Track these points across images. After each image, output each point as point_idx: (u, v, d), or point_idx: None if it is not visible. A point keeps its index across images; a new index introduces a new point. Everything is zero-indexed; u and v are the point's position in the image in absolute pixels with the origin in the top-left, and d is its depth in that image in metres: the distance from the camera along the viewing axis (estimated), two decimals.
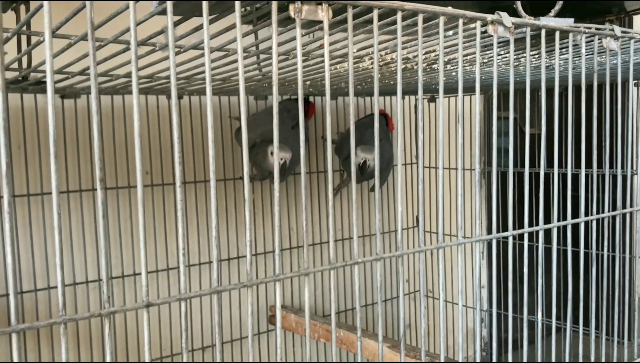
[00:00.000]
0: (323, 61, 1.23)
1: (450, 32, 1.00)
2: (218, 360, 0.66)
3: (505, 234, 1.01)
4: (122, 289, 1.99)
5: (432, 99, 2.67)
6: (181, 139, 0.66)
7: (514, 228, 1.02)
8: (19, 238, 1.80)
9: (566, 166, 1.09)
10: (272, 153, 1.95)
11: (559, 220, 1.11)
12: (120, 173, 1.99)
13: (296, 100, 2.19)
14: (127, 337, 2.01)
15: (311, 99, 2.36)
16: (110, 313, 0.58)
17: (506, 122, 1.10)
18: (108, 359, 0.60)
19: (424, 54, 1.23)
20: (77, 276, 1.93)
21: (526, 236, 1.04)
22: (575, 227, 1.13)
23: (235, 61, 1.20)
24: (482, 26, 0.94)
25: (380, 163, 2.20)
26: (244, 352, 2.31)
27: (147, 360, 0.61)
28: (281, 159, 1.94)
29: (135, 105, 0.60)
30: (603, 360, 1.27)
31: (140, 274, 2.00)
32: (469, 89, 2.15)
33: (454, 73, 1.57)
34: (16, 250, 1.79)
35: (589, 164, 1.18)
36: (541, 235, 1.10)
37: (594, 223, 1.17)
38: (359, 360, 0.88)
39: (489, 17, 0.93)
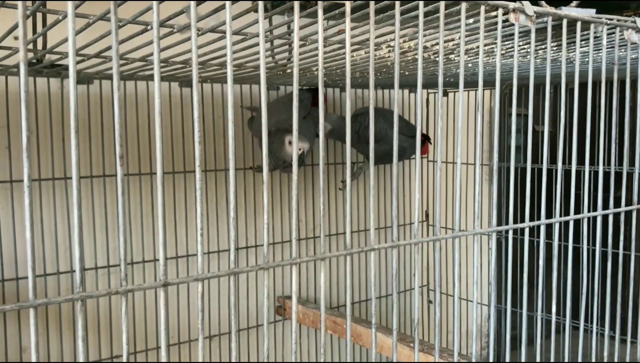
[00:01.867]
0: (339, 49, 1.22)
1: (471, 20, 0.99)
2: (233, 342, 0.66)
3: (520, 225, 1.00)
4: (132, 275, 2.00)
5: (445, 93, 2.66)
6: (201, 120, 0.65)
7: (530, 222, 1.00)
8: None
9: (583, 163, 1.08)
10: (290, 143, 1.91)
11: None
12: (132, 161, 1.99)
13: (308, 90, 2.19)
14: (135, 327, 2.01)
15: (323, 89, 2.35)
16: (128, 291, 0.57)
17: (519, 120, 1.08)
18: (124, 339, 0.59)
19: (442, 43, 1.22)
20: (87, 263, 1.93)
21: (543, 228, 1.03)
22: (589, 225, 1.12)
23: (251, 46, 1.19)
24: (503, 14, 0.93)
25: (387, 148, 2.18)
26: (251, 341, 2.31)
27: (163, 341, 0.60)
28: (300, 149, 1.92)
29: (157, 83, 0.59)
30: (616, 360, 1.26)
31: (151, 261, 2.01)
32: (484, 83, 2.13)
33: (470, 65, 1.55)
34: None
35: (606, 161, 1.16)
36: (556, 230, 1.08)
37: (610, 218, 1.15)
38: (373, 352, 0.88)
39: (511, 4, 0.92)
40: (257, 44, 1.23)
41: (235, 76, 1.72)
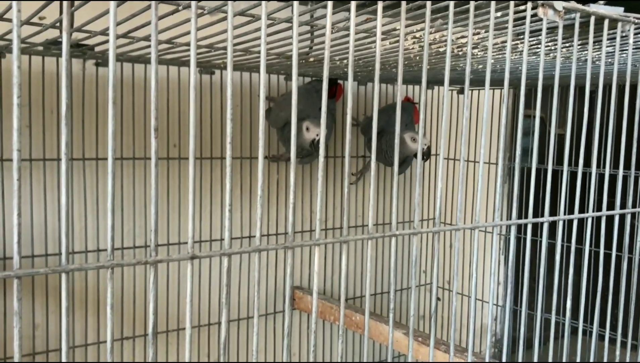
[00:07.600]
0: (363, 38, 1.23)
1: (499, 14, 0.99)
2: (255, 317, 0.67)
3: (524, 221, 1.00)
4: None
5: (462, 91, 2.65)
6: (225, 106, 0.66)
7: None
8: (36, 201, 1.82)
9: (604, 166, 1.08)
10: (307, 129, 1.96)
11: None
12: (149, 145, 2.00)
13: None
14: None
15: (340, 81, 2.36)
16: (156, 262, 0.58)
17: (534, 121, 1.08)
18: (151, 308, 0.60)
19: (466, 37, 1.22)
20: (102, 244, 1.95)
21: (546, 226, 1.02)
22: (598, 228, 1.11)
23: (275, 33, 1.20)
24: (532, 9, 0.93)
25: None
26: (268, 329, 2.32)
27: (188, 313, 0.61)
28: (317, 135, 1.95)
29: (192, 60, 0.60)
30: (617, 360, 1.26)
31: (164, 244, 2.02)
32: (496, 82, 2.11)
33: (492, 61, 1.55)
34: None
35: (627, 165, 1.15)
36: (559, 229, 1.07)
37: (616, 220, 1.14)
38: (390, 342, 0.89)
39: None
40: (280, 31, 1.23)
41: (255, 64, 1.73)
